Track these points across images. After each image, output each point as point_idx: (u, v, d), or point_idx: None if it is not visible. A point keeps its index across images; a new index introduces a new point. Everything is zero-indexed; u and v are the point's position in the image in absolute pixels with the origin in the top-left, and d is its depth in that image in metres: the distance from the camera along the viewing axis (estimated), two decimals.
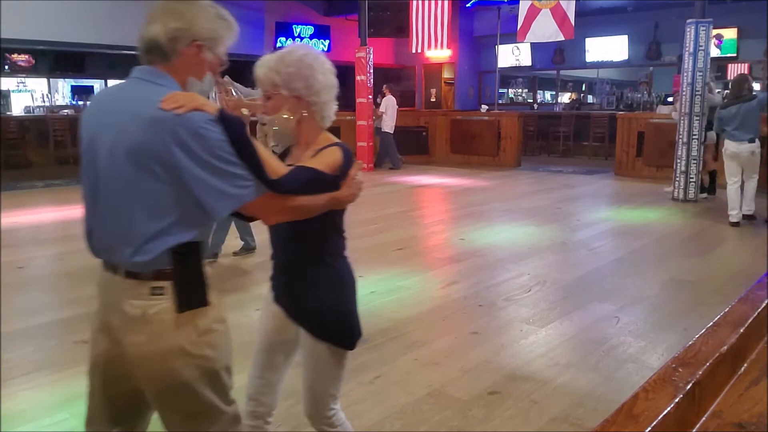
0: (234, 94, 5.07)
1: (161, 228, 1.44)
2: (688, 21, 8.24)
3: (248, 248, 5.44)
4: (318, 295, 1.80)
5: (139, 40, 1.52)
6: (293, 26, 15.86)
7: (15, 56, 14.67)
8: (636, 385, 3.09)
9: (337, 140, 1.80)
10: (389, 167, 12.26)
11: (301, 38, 15.99)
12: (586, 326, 3.86)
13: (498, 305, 4.27)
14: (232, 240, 5.42)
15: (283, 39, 15.76)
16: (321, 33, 16.20)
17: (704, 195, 8.60)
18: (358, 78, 11.93)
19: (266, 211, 1.58)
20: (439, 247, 6.20)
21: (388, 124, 12.06)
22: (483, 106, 13.96)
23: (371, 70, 11.96)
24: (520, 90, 18.77)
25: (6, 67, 14.61)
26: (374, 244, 5.96)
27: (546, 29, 11.54)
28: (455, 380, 3.09)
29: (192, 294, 1.49)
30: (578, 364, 3.32)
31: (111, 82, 16.52)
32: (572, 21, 11.17)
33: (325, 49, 16.37)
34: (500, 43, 14.63)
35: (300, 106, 1.75)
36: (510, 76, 17.95)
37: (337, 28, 16.24)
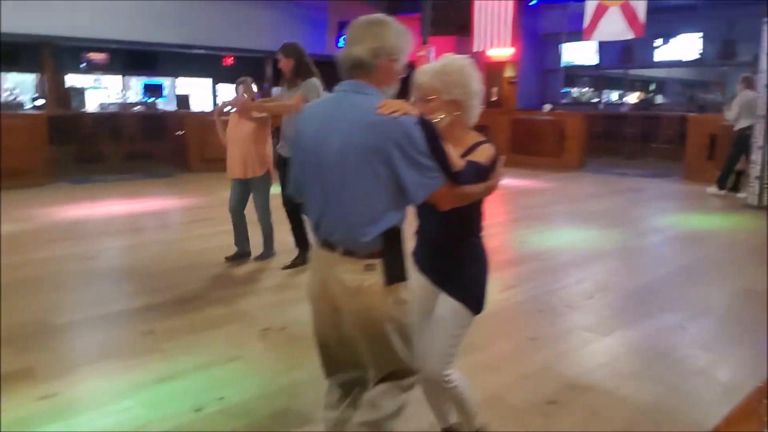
0: (254, 93, 5.17)
1: (378, 214, 1.76)
2: (764, 20, 7.81)
3: (243, 254, 5.25)
4: (462, 266, 2.14)
5: (343, 58, 1.83)
6: None
7: (92, 54, 15.37)
8: (704, 400, 2.92)
9: (483, 137, 2.09)
10: None
11: None
12: (651, 336, 3.71)
13: (558, 311, 4.16)
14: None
15: (344, 38, 15.88)
16: None
17: (743, 194, 8.35)
18: None
19: (444, 198, 1.85)
20: (498, 249, 6.09)
21: None
22: (546, 106, 13.66)
23: None
24: (585, 89, 18.29)
25: (84, 64, 15.33)
26: None
27: (614, 27, 11.17)
28: (512, 387, 3.02)
29: (397, 270, 1.81)
30: (642, 375, 3.19)
31: (179, 80, 17.10)
32: (642, 19, 10.78)
33: None
34: (566, 41, 14.27)
35: (455, 108, 2.03)
36: (575, 75, 17.52)
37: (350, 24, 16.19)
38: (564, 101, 16.19)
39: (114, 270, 5.16)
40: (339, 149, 1.76)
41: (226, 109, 5.24)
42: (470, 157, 1.97)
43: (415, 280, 2.11)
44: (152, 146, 11.70)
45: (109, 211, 7.56)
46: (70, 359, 3.38)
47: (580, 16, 11.95)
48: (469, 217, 2.12)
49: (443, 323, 2.13)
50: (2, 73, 15.10)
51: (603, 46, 14.82)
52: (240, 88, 5.10)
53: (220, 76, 18.18)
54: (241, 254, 5.24)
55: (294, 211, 4.95)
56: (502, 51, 13.63)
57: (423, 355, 2.07)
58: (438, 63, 2.06)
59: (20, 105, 14.10)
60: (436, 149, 1.76)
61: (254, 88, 5.18)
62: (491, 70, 17.22)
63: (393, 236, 1.80)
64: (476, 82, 2.06)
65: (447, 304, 2.13)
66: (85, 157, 11.49)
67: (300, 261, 5.04)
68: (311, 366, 3.24)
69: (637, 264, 5.41)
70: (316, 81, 4.77)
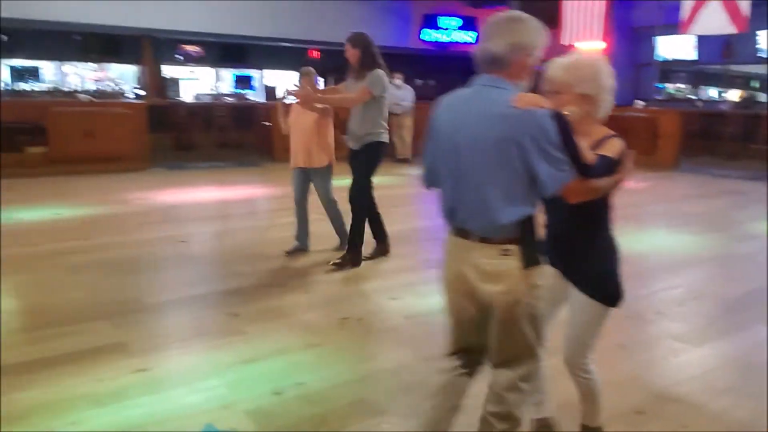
0: (316, 84, 5.06)
1: (512, 202, 1.83)
2: None
3: (302, 249, 5.18)
4: (594, 261, 2.16)
5: (481, 53, 1.91)
6: (439, 18, 15.84)
7: (187, 47, 16.07)
8: None
9: (612, 132, 2.12)
10: None
11: (447, 30, 15.93)
12: (749, 349, 3.47)
13: (647, 318, 3.97)
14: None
15: (428, 31, 15.80)
16: (468, 25, 16.03)
17: None
18: None
19: (574, 191, 1.90)
20: None
21: None
22: (638, 102, 13.05)
23: None
24: (681, 85, 17.34)
25: (180, 56, 16.06)
26: None
27: (715, 21, 10.49)
28: None
29: (532, 256, 1.90)
30: (737, 390, 2.99)
31: (268, 72, 17.58)
32: (746, 12, 10.05)
33: (472, 41, 16.17)
34: (661, 35, 13.56)
35: (585, 102, 2.07)
36: (670, 70, 16.61)
37: (485, 20, 15.96)
38: (658, 97, 15.40)
39: (204, 253, 5.39)
40: (474, 140, 1.85)
41: (286, 100, 5.21)
42: (599, 151, 2.00)
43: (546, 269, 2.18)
44: (241, 136, 12.11)
45: (200, 197, 7.89)
46: (161, 336, 3.56)
47: (677, 8, 11.29)
48: (599, 211, 2.14)
49: (577, 317, 2.20)
50: (106, 64, 16.07)
51: (702, 40, 13.95)
52: (303, 80, 5.04)
53: None
54: (301, 248, 5.17)
55: (357, 207, 4.81)
56: (592, 44, 13.12)
57: (562, 345, 2.23)
58: (570, 58, 2.13)
59: (122, 94, 14.98)
60: (568, 142, 1.82)
61: (317, 79, 5.10)
62: None
63: (528, 223, 1.88)
64: (607, 76, 2.10)
65: (579, 299, 2.17)
66: (180, 144, 12.05)
67: (345, 261, 4.82)
68: (388, 357, 3.27)
69: (735, 272, 5.08)
70: (381, 72, 4.63)
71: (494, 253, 1.88)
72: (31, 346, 3.30)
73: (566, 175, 1.81)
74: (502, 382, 2.01)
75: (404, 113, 11.86)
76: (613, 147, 2.02)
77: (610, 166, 1.97)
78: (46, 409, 2.68)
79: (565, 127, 1.82)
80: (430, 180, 2.08)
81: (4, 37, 13.22)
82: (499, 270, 1.88)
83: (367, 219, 4.95)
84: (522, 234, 1.87)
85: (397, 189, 8.54)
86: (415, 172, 10.70)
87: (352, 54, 4.71)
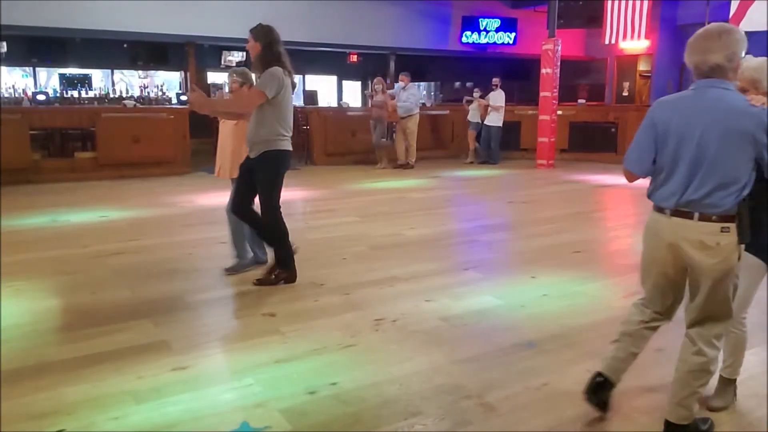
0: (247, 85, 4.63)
1: (739, 186, 2.21)
2: None
3: (258, 261, 4.86)
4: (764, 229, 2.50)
5: (698, 65, 2.31)
6: (479, 20, 15.77)
7: (229, 53, 16.41)
8: None
9: None
10: (482, 161, 12.23)
11: (487, 32, 15.84)
12: None
13: None
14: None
15: (468, 33, 15.75)
16: (507, 26, 15.91)
17: None
18: (543, 71, 11.52)
19: None
20: (623, 252, 5.78)
21: (499, 119, 11.99)
22: None
23: (558, 63, 11.48)
24: None
25: (221, 64, 16.40)
26: (550, 245, 5.73)
27: (765, 16, 10.16)
28: (632, 399, 2.85)
29: (747, 232, 2.26)
30: None
31: (309, 77, 17.80)
32: None
33: (511, 42, 16.05)
34: None
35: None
36: None
37: (525, 20, 15.84)
38: None
39: None
40: (711, 132, 2.22)
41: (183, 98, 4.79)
42: None
43: None
44: None
45: None
46: (200, 335, 3.64)
47: (725, 4, 10.99)
48: None
49: (748, 277, 2.55)
50: (152, 72, 16.55)
51: (752, 38, 13.51)
52: (230, 79, 4.67)
53: (345, 72, 18.74)
54: (258, 261, 4.85)
55: (269, 232, 4.51)
56: (636, 43, 12.86)
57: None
58: (758, 59, 2.55)
59: (168, 100, 15.40)
60: None
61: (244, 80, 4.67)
62: (622, 64, 16.32)
63: (744, 204, 2.22)
64: None
65: (751, 263, 2.54)
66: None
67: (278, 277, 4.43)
68: (423, 359, 3.28)
69: None
70: (274, 70, 4.11)
71: (715, 229, 2.24)
72: (77, 344, 3.43)
73: None
74: (700, 341, 2.39)
75: (408, 117, 11.07)
76: None
77: None
78: (90, 404, 2.78)
79: None
80: (643, 170, 2.47)
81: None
82: (719, 244, 2.24)
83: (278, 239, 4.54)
84: (740, 212, 2.22)
85: (427, 192, 8.57)
86: (447, 174, 10.70)
87: (252, 47, 4.21)
